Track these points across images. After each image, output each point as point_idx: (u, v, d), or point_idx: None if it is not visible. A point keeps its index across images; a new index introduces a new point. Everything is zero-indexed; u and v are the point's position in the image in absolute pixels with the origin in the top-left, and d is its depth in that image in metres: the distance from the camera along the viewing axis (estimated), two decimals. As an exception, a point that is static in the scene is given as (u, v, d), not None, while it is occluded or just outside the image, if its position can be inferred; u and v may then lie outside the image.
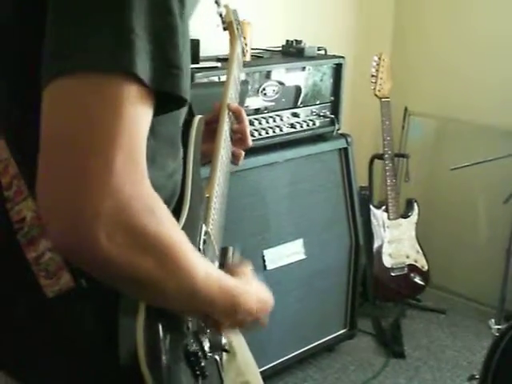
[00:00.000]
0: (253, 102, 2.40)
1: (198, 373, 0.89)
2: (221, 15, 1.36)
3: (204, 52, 2.28)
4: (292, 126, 2.54)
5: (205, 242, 0.96)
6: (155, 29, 0.72)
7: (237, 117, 1.20)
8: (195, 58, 2.20)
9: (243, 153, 1.23)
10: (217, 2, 1.35)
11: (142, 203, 0.70)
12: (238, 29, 1.36)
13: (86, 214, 0.68)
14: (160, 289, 0.75)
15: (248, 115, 2.34)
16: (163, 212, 0.74)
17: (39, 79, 0.71)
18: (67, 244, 0.70)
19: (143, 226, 0.70)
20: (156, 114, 0.75)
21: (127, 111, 0.69)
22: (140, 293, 0.77)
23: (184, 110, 0.88)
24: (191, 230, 0.93)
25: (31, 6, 0.77)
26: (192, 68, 2.18)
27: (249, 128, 1.23)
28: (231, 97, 1.21)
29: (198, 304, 0.81)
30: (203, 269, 0.79)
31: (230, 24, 1.35)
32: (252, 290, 0.91)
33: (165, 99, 0.75)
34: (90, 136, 0.68)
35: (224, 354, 1.05)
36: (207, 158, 1.11)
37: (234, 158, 1.21)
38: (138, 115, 0.71)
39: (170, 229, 0.74)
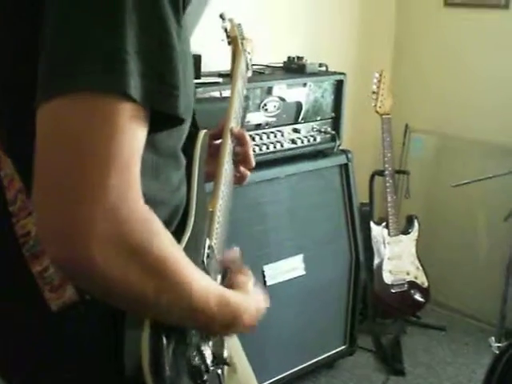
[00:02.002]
0: (254, 118, 2.40)
1: None
2: (225, 30, 1.36)
3: (205, 67, 2.29)
4: (293, 141, 2.55)
5: (208, 255, 0.96)
6: (149, 48, 0.72)
7: (240, 140, 1.20)
8: (196, 73, 2.20)
9: (248, 173, 1.23)
10: (221, 17, 1.36)
11: (137, 222, 0.71)
12: (242, 43, 1.36)
13: (81, 235, 0.68)
14: (157, 305, 0.76)
15: (249, 130, 2.38)
16: (159, 229, 0.75)
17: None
18: (64, 264, 0.71)
19: (139, 245, 0.71)
20: (154, 131, 0.76)
21: (121, 131, 0.70)
22: (137, 308, 0.78)
23: (187, 125, 0.88)
24: (195, 244, 0.93)
25: (25, 21, 0.77)
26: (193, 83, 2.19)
27: (252, 150, 1.23)
28: (235, 111, 1.21)
29: (194, 317, 0.81)
30: (200, 282, 0.79)
31: (234, 39, 1.36)
32: (250, 303, 0.92)
33: (161, 117, 0.75)
34: (84, 157, 0.69)
35: (225, 368, 1.05)
36: (210, 175, 1.12)
37: (239, 179, 1.21)
38: (132, 134, 0.71)
39: (166, 246, 0.75)
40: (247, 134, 1.22)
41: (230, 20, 1.38)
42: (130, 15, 0.71)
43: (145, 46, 0.72)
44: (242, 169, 1.22)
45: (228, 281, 0.97)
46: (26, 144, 0.74)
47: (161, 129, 0.78)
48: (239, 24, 1.39)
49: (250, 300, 0.92)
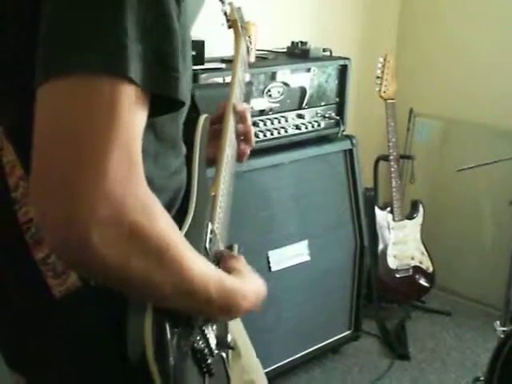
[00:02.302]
0: (258, 104, 2.40)
1: (204, 370, 0.89)
2: (225, 13, 1.36)
3: (209, 53, 2.28)
4: (297, 127, 2.54)
5: (211, 240, 0.96)
6: (150, 31, 0.72)
7: (241, 118, 1.20)
8: (200, 59, 2.20)
9: (248, 150, 1.23)
10: (221, 0, 1.35)
11: (136, 204, 0.70)
12: (242, 27, 1.35)
13: (80, 216, 0.68)
14: (156, 288, 0.76)
15: (253, 116, 2.37)
16: (159, 212, 0.74)
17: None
18: (62, 246, 0.70)
19: (138, 227, 0.71)
20: (154, 115, 0.76)
21: (121, 113, 0.69)
22: (136, 292, 0.78)
23: (185, 109, 0.88)
24: (197, 229, 0.93)
25: (27, 5, 0.77)
26: (196, 69, 2.20)
27: (252, 128, 1.23)
28: (236, 96, 1.21)
29: (194, 302, 0.81)
30: (200, 268, 0.79)
31: (234, 22, 1.35)
32: (248, 286, 0.91)
33: (162, 101, 0.75)
34: (83, 137, 0.68)
35: (230, 352, 1.05)
36: (212, 159, 1.11)
37: (239, 156, 1.21)
38: (132, 116, 0.71)
39: (166, 229, 0.74)
40: (249, 112, 1.22)
41: (230, 3, 1.37)
42: (130, 0, 0.70)
43: (145, 30, 0.72)
44: (242, 146, 1.22)
45: (222, 267, 0.96)
46: (27, 130, 0.74)
47: (161, 113, 0.78)
48: (239, 7, 1.39)
49: (248, 284, 0.92)
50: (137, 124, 0.72)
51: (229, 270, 0.93)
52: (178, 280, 0.77)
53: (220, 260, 0.99)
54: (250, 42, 1.40)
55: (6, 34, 0.82)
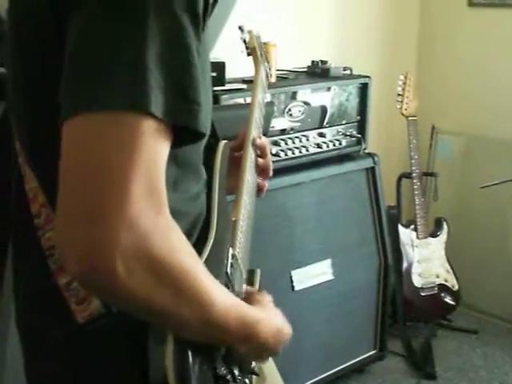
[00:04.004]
0: (279, 123, 2.41)
1: None
2: (244, 41, 1.37)
3: (230, 74, 2.29)
4: (318, 146, 2.54)
5: (232, 265, 0.96)
6: (171, 65, 0.73)
7: (261, 151, 1.21)
8: (221, 80, 2.22)
9: (267, 184, 1.23)
10: (240, 28, 1.36)
11: (159, 234, 0.71)
12: (261, 54, 1.37)
13: (103, 246, 0.69)
14: (176, 318, 0.76)
15: (274, 136, 2.38)
16: (181, 242, 0.75)
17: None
18: (84, 275, 0.71)
19: (160, 257, 0.71)
20: (177, 146, 0.77)
21: (144, 145, 0.71)
22: (157, 320, 0.78)
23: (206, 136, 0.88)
24: (218, 254, 0.93)
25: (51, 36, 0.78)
26: (218, 90, 2.21)
27: (271, 163, 1.23)
28: (256, 121, 1.21)
29: (213, 332, 0.81)
30: (220, 298, 0.79)
31: (253, 50, 1.36)
32: (269, 320, 0.91)
33: (184, 132, 0.76)
34: (107, 170, 0.70)
35: (254, 377, 1.04)
36: (233, 188, 1.12)
37: (258, 191, 1.21)
38: (155, 149, 0.72)
39: (187, 259, 0.75)
40: (268, 145, 1.22)
41: (249, 31, 1.38)
42: (152, 35, 0.72)
43: (166, 64, 0.73)
44: (260, 180, 1.22)
45: (247, 296, 0.96)
46: (48, 159, 0.75)
47: (183, 144, 0.79)
48: (258, 35, 1.40)
49: (270, 317, 0.91)
50: (159, 156, 0.73)
51: (251, 302, 0.92)
52: (199, 310, 0.77)
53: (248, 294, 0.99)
54: (270, 68, 1.40)
55: (33, 66, 0.84)
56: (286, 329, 0.96)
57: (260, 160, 1.20)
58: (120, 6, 0.72)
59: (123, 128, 0.70)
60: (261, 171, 1.21)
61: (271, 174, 1.23)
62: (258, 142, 1.19)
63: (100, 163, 0.70)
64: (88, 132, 0.71)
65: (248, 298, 0.95)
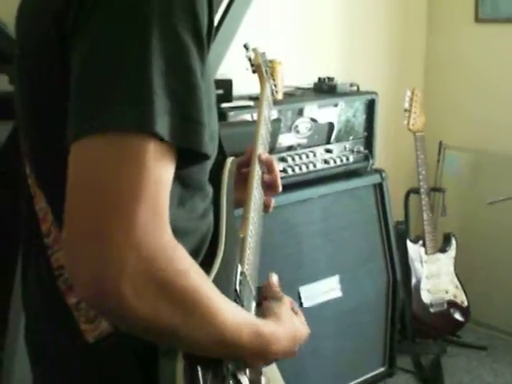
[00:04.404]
0: (286, 139, 2.41)
1: None
2: (250, 59, 1.39)
3: (237, 91, 2.31)
4: (325, 161, 2.54)
5: (241, 282, 0.96)
6: (175, 87, 0.74)
7: (268, 167, 1.21)
8: (228, 97, 2.23)
9: (273, 201, 1.23)
10: (245, 46, 1.38)
11: (165, 255, 0.71)
12: (266, 71, 1.38)
13: (111, 270, 0.69)
14: (187, 338, 0.76)
15: (281, 152, 2.39)
16: (187, 262, 0.75)
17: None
18: (92, 299, 0.71)
19: (168, 278, 0.71)
20: (181, 167, 0.77)
21: (149, 167, 0.71)
22: (168, 341, 0.78)
23: (213, 155, 0.89)
24: (227, 271, 0.93)
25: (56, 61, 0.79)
26: (225, 107, 2.23)
27: (279, 178, 1.23)
28: (262, 137, 1.22)
29: (227, 349, 0.81)
30: (232, 316, 0.79)
31: (258, 67, 1.38)
32: (283, 330, 0.91)
33: (188, 153, 0.76)
34: (113, 192, 0.70)
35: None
36: (239, 202, 1.12)
37: (265, 206, 1.21)
38: (160, 170, 0.72)
39: (195, 279, 0.75)
40: (275, 161, 1.22)
41: (254, 49, 1.40)
42: (156, 56, 0.72)
43: (170, 86, 0.73)
44: (268, 195, 1.22)
45: (262, 308, 0.96)
46: (55, 180, 0.75)
47: (188, 165, 0.79)
48: (263, 53, 1.42)
49: (284, 328, 0.91)
50: (165, 178, 0.73)
51: (265, 312, 0.92)
52: (210, 330, 0.76)
53: (262, 298, 0.99)
54: (275, 85, 1.42)
55: (38, 89, 0.84)
56: (302, 331, 0.97)
57: (266, 176, 1.20)
58: (124, 29, 0.73)
59: (129, 149, 0.71)
60: (267, 187, 1.22)
61: (280, 189, 1.23)
62: (264, 157, 1.19)
63: (106, 185, 0.70)
64: (93, 154, 0.71)
65: (265, 304, 0.95)
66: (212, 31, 0.80)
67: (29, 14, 0.87)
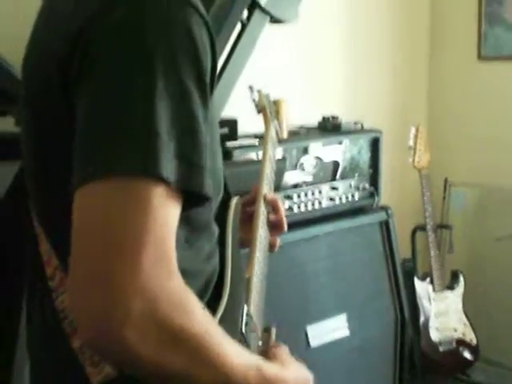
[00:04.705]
0: (291, 177, 2.42)
1: None
2: (254, 100, 1.41)
3: (242, 130, 2.32)
4: (331, 199, 2.54)
5: (247, 323, 0.95)
6: (178, 132, 0.74)
7: (273, 207, 1.21)
8: (233, 136, 2.24)
9: (279, 240, 1.23)
10: (250, 88, 1.40)
11: (170, 299, 0.71)
12: (271, 112, 1.40)
13: (114, 313, 0.69)
14: (193, 381, 0.75)
15: (286, 190, 2.39)
16: (193, 306, 0.75)
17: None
18: (95, 342, 0.71)
19: (173, 323, 0.71)
20: (184, 209, 0.77)
21: (154, 212, 0.71)
22: None
23: (218, 197, 0.89)
24: (233, 313, 0.92)
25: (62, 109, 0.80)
26: (230, 146, 2.24)
27: (285, 217, 1.23)
28: (267, 177, 1.22)
29: None
30: (238, 359, 0.79)
31: (263, 108, 1.40)
32: (287, 374, 0.90)
33: (191, 195, 0.77)
34: (118, 236, 0.70)
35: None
36: (244, 242, 1.12)
37: (270, 246, 1.21)
38: (165, 213, 0.73)
39: (200, 323, 0.74)
40: (280, 201, 1.22)
41: (258, 91, 1.42)
42: (160, 103, 0.73)
43: (174, 132, 0.74)
44: (273, 235, 1.22)
45: (265, 352, 0.95)
46: (60, 224, 0.76)
47: (192, 206, 0.79)
48: (267, 94, 1.43)
49: (288, 371, 0.90)
50: (170, 220, 0.74)
51: (269, 357, 0.92)
52: (216, 373, 0.76)
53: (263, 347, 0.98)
54: (280, 125, 1.43)
55: (42, 132, 0.85)
56: (306, 374, 0.96)
57: (272, 216, 1.21)
58: (128, 75, 0.74)
59: (134, 194, 0.71)
60: (273, 227, 1.22)
61: (285, 229, 1.23)
62: (269, 197, 1.20)
63: (111, 230, 0.70)
64: (98, 199, 0.72)
65: (265, 352, 0.94)
66: (215, 75, 0.81)
67: (34, 57, 0.89)
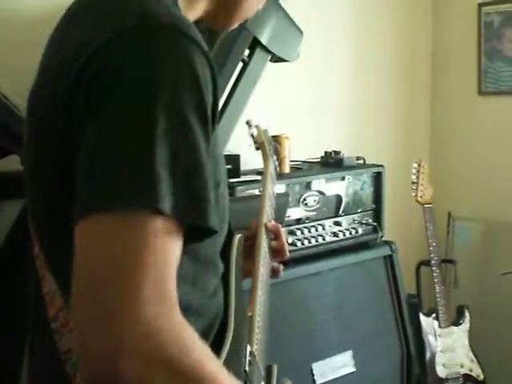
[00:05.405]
0: (294, 213, 2.41)
1: None
2: (252, 136, 1.41)
3: (244, 166, 2.33)
4: (335, 234, 2.54)
5: (250, 362, 0.95)
6: (181, 166, 0.75)
7: (275, 234, 1.22)
8: (236, 172, 2.25)
9: (282, 266, 1.24)
10: (248, 124, 1.40)
11: (171, 336, 0.70)
12: (269, 148, 1.40)
13: (115, 352, 0.68)
14: None
15: (290, 225, 2.39)
16: (194, 343, 0.74)
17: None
18: (95, 376, 0.70)
19: (173, 360, 0.70)
20: (190, 242, 0.77)
21: (155, 246, 0.71)
22: None
23: (223, 231, 0.89)
24: (236, 352, 0.92)
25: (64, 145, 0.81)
26: (233, 182, 2.25)
27: (286, 243, 1.25)
28: (267, 213, 1.23)
29: None
30: None
31: (261, 144, 1.40)
32: None
33: (195, 229, 0.77)
34: (119, 274, 0.70)
35: None
36: (246, 274, 1.12)
37: (275, 272, 1.22)
38: (166, 248, 0.73)
39: (202, 361, 0.74)
40: (281, 228, 1.23)
41: (257, 126, 1.43)
42: (162, 136, 0.74)
43: (175, 166, 0.74)
44: (277, 262, 1.23)
45: None
46: (64, 261, 0.75)
47: (196, 240, 0.79)
48: (266, 130, 1.44)
49: None
50: (171, 256, 0.73)
51: None
52: None
53: None
54: (279, 161, 1.44)
55: (47, 170, 0.86)
56: None
57: (273, 242, 1.21)
58: (130, 113, 0.74)
59: (134, 228, 0.71)
60: (275, 253, 1.22)
61: (287, 254, 1.24)
62: (270, 225, 1.20)
63: (111, 266, 0.70)
64: (99, 234, 0.72)
65: None
66: (217, 109, 0.82)
67: (42, 84, 0.89)
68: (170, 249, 0.73)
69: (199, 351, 0.74)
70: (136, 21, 0.77)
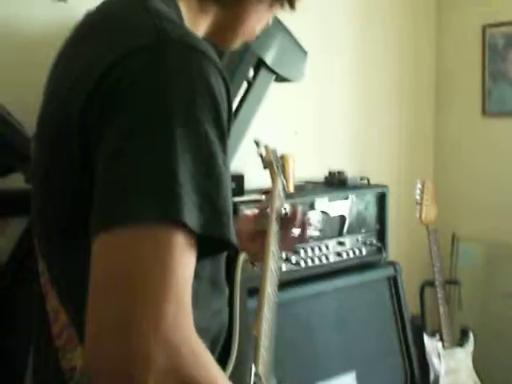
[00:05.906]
0: (297, 233, 2.40)
1: None
2: (261, 155, 1.41)
3: (248, 185, 2.33)
4: (338, 254, 2.53)
5: (255, 383, 0.94)
6: (201, 180, 0.75)
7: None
8: (240, 191, 2.25)
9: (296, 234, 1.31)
10: (257, 143, 1.41)
11: (190, 352, 0.70)
12: (277, 167, 1.40)
13: (137, 364, 0.67)
14: None
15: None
16: (210, 360, 0.74)
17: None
18: None
19: (193, 376, 0.70)
20: (202, 257, 0.76)
21: (176, 259, 0.71)
22: None
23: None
24: (241, 373, 0.91)
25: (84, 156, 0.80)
26: (237, 201, 2.25)
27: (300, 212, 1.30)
28: (274, 234, 1.23)
29: None
30: None
31: (269, 163, 1.41)
32: None
33: (211, 244, 0.76)
34: (140, 285, 0.69)
35: None
36: (254, 256, 1.14)
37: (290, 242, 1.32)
38: (186, 263, 0.72)
39: (217, 378, 0.73)
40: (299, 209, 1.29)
41: (265, 146, 1.43)
42: (182, 149, 0.73)
43: (197, 178, 0.74)
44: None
45: None
46: (69, 275, 0.75)
47: (210, 254, 0.79)
48: (274, 149, 1.44)
49: None
50: (189, 268, 0.73)
51: None
52: None
53: None
54: (287, 180, 1.45)
55: (56, 189, 0.85)
56: None
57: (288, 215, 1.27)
58: (149, 125, 0.74)
59: (156, 242, 0.71)
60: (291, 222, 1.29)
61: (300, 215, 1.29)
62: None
63: (133, 277, 0.70)
64: (120, 247, 0.71)
65: None
66: (231, 123, 0.82)
67: (52, 106, 0.88)
68: (188, 264, 0.73)
69: (215, 367, 0.74)
70: (153, 36, 0.78)
